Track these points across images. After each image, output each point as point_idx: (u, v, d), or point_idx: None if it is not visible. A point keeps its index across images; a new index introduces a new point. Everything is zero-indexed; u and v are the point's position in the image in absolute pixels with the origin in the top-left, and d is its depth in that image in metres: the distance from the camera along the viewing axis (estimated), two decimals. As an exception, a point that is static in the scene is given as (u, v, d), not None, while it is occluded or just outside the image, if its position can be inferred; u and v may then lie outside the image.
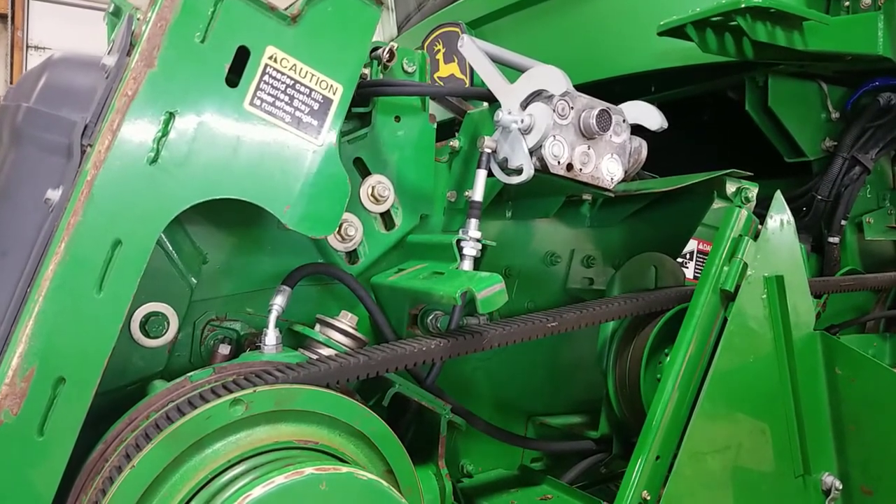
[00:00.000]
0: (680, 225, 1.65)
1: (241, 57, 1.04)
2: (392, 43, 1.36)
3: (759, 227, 1.36)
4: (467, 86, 2.27)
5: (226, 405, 0.93)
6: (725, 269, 1.31)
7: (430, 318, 1.42)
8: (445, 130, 1.60)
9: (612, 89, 2.02)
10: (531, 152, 1.22)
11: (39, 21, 8.53)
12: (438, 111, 2.44)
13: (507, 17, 2.37)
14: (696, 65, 1.81)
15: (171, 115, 0.98)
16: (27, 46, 8.38)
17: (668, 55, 1.85)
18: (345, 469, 0.89)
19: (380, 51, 1.35)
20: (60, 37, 8.53)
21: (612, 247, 1.68)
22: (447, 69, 2.49)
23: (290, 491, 0.85)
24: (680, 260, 1.82)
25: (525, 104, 1.25)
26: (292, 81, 1.07)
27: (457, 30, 2.39)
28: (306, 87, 1.08)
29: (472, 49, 1.36)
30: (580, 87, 1.99)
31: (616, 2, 2.00)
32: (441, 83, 2.52)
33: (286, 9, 1.10)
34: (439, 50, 2.49)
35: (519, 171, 1.22)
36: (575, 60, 2.09)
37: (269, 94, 1.05)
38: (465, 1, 2.51)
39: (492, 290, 1.08)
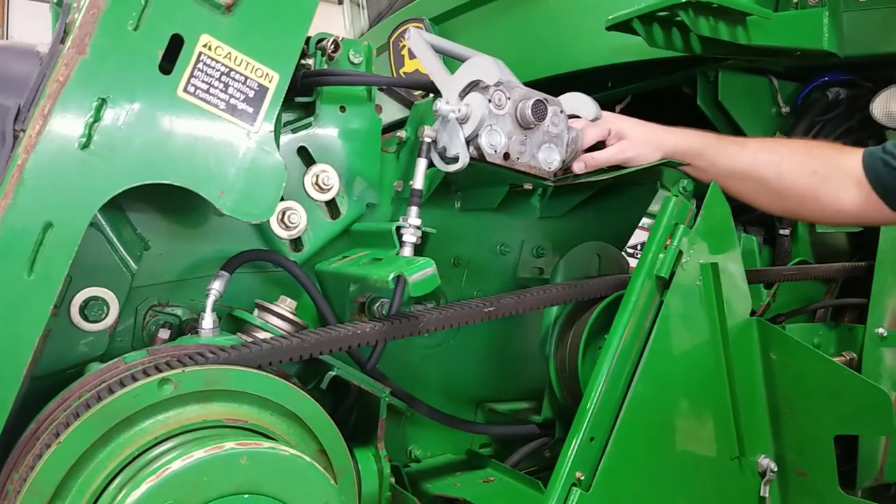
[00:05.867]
0: (626, 214, 1.69)
1: (175, 45, 1.06)
2: (336, 34, 1.38)
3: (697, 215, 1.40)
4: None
5: (154, 384, 0.95)
6: (661, 256, 1.34)
7: (377, 305, 1.45)
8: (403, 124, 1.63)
9: (576, 84, 2.06)
10: (468, 141, 1.25)
11: (20, 18, 8.49)
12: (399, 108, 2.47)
13: (471, 13, 2.40)
14: (648, 60, 1.84)
15: (104, 101, 1.00)
16: (7, 43, 8.33)
17: (621, 50, 1.88)
18: (266, 444, 0.91)
19: (325, 42, 1.37)
20: (41, 34, 8.48)
21: (562, 237, 1.71)
22: (412, 64, 2.52)
23: (210, 464, 0.87)
24: (630, 251, 1.85)
25: (463, 94, 1.28)
26: (227, 69, 1.09)
27: (420, 25, 2.42)
28: (241, 74, 1.11)
29: (417, 41, 1.39)
30: (542, 82, 2.04)
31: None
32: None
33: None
34: (404, 45, 2.52)
35: (456, 160, 1.25)
36: (535, 55, 2.13)
37: (203, 81, 1.07)
38: (431, -4, 2.54)
39: (423, 274, 1.11)
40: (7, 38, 8.46)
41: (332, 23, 3.30)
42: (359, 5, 3.28)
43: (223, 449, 0.88)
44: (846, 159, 1.33)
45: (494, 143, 1.25)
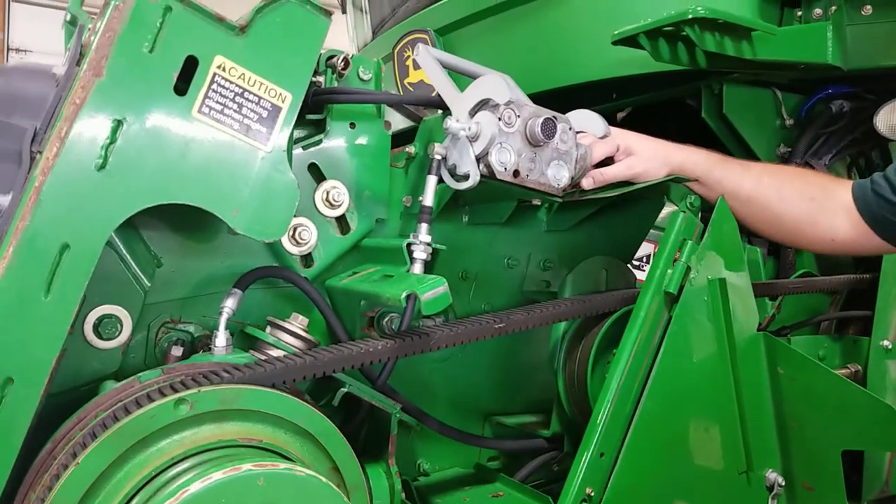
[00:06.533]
0: (633, 228, 1.70)
1: (190, 66, 1.07)
2: (347, 52, 1.39)
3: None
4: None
5: (171, 404, 0.96)
6: (669, 271, 1.35)
7: (386, 320, 1.46)
8: (410, 137, 1.64)
9: (581, 96, 2.07)
10: (478, 159, 1.25)
11: (21, 24, 8.49)
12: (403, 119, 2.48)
13: (476, 24, 2.41)
14: (653, 73, 1.85)
15: (119, 123, 1.01)
16: (8, 49, 8.34)
17: (626, 63, 1.89)
18: (283, 465, 0.92)
19: (335, 59, 1.38)
20: (42, 39, 8.49)
21: (569, 250, 1.71)
22: (416, 75, 2.53)
23: (228, 486, 0.88)
24: (637, 263, 1.86)
25: (473, 112, 1.29)
26: (241, 90, 1.10)
27: (425, 36, 2.43)
28: (255, 95, 1.12)
29: (426, 57, 1.40)
30: (548, 94, 2.04)
31: (578, 10, 2.05)
32: (411, 89, 2.56)
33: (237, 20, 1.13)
34: (408, 56, 2.53)
35: (466, 177, 1.26)
36: (541, 67, 2.14)
37: (217, 101, 1.08)
38: (436, 8, 2.55)
39: (436, 293, 1.12)
40: (8, 40, 8.46)
41: (336, 30, 3.32)
42: (362, 10, 3.29)
43: (240, 470, 0.88)
44: (838, 189, 1.37)
45: (504, 160, 1.26)
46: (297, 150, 1.36)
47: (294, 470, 0.92)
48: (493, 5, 2.28)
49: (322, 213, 1.37)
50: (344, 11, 3.35)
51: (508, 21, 2.28)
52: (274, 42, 1.13)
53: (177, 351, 1.23)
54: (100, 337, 1.17)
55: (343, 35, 3.38)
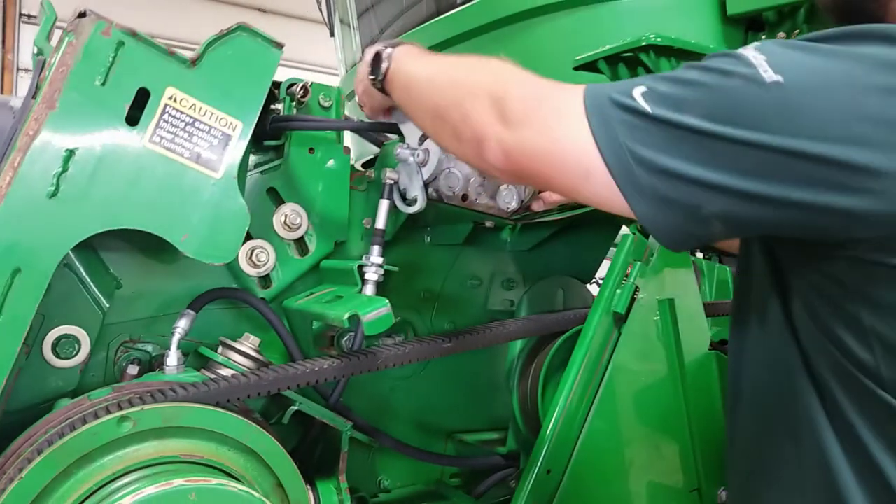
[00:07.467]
0: (593, 248, 1.73)
1: (142, 97, 1.12)
2: (307, 80, 1.44)
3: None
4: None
5: (114, 422, 1.00)
6: (618, 292, 1.38)
7: (345, 339, 1.50)
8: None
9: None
10: (427, 184, 1.30)
11: (30, 45, 8.65)
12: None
13: (461, 45, 2.46)
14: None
15: (71, 153, 1.06)
16: (17, 69, 8.50)
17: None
18: (215, 481, 0.96)
19: (294, 87, 1.43)
20: (52, 60, 8.61)
21: (531, 269, 1.75)
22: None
23: (160, 501, 0.91)
24: (601, 283, 1.89)
25: (422, 139, 1.33)
26: (192, 119, 1.15)
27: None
28: (206, 124, 1.16)
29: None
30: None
31: (545, 35, 2.09)
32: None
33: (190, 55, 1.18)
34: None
35: (416, 201, 1.30)
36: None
37: (168, 131, 1.13)
38: (421, 29, 2.60)
39: (377, 314, 1.15)
40: (17, 61, 8.61)
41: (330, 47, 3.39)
42: (350, 26, 3.34)
43: (172, 485, 0.92)
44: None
45: (453, 185, 1.30)
46: (257, 175, 1.41)
47: (227, 486, 0.96)
48: (475, 27, 2.32)
49: (280, 236, 1.41)
50: (332, 34, 3.42)
51: (489, 43, 2.32)
52: (224, 73, 1.18)
53: (132, 370, 1.27)
54: (58, 356, 1.22)
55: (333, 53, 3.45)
